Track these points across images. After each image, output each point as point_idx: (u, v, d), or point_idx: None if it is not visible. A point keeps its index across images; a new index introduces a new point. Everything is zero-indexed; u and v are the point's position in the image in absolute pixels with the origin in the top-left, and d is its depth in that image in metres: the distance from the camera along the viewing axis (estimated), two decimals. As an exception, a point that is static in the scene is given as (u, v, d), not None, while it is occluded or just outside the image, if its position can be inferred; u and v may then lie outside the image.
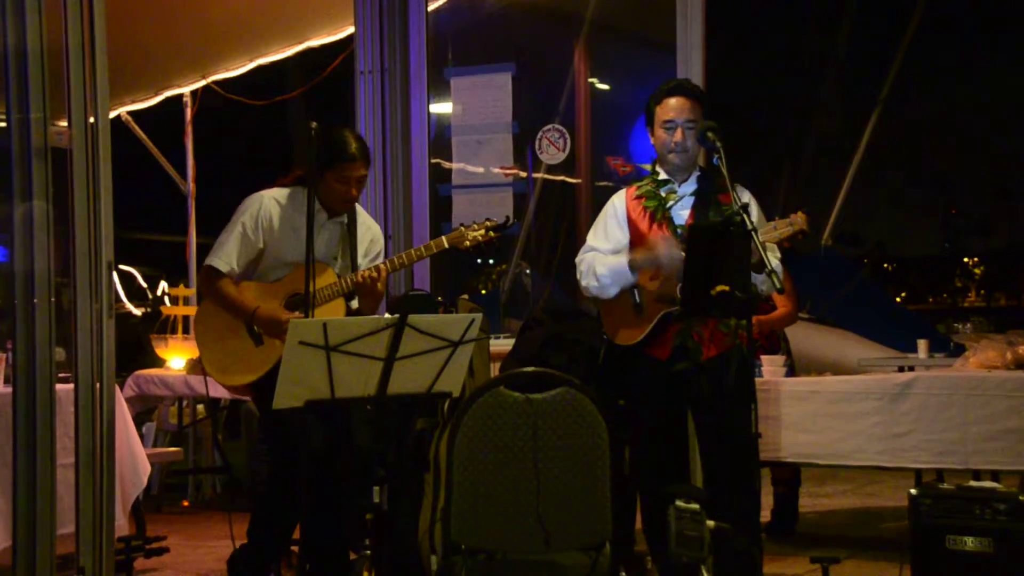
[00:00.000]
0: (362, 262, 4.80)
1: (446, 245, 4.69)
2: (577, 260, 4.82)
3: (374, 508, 3.88)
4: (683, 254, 4.38)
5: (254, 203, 4.77)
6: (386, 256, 4.95)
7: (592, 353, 5.09)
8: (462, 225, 4.77)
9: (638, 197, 4.73)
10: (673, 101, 4.65)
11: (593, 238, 4.81)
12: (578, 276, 4.80)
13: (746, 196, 4.61)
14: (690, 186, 4.69)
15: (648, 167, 4.82)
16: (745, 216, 3.99)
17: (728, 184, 4.22)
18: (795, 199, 12.81)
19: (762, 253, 3.97)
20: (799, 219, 4.36)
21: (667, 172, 4.72)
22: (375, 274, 4.61)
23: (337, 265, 4.77)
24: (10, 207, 4.18)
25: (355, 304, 4.75)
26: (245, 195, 4.85)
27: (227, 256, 4.71)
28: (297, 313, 4.53)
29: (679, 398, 4.62)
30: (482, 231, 4.71)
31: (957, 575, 4.62)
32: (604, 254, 4.73)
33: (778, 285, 3.98)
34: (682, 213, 4.64)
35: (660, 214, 4.65)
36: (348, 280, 4.65)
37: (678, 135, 4.63)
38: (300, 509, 4.52)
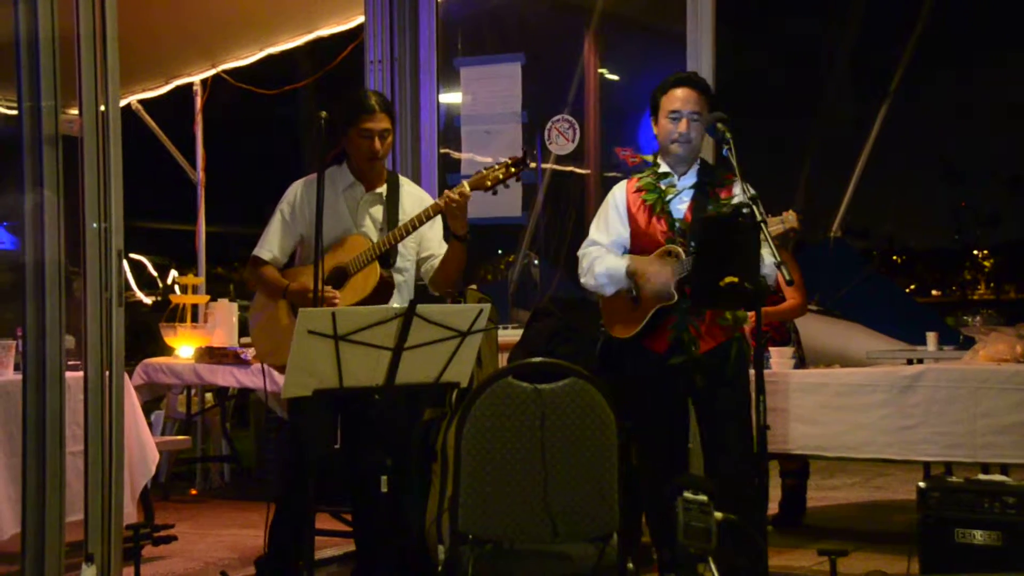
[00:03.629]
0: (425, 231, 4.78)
1: (468, 191, 4.58)
2: (580, 254, 4.83)
3: (382, 498, 3.87)
4: (672, 288, 4.46)
5: (292, 190, 4.83)
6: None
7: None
8: (483, 169, 4.69)
9: (638, 190, 4.75)
10: (680, 92, 4.66)
11: (595, 231, 4.83)
12: (579, 270, 4.82)
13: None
14: (690, 179, 4.70)
15: (650, 158, 4.82)
16: (755, 208, 4.00)
17: (737, 174, 4.24)
18: (799, 192, 12.81)
19: (771, 246, 3.97)
20: (790, 217, 4.39)
21: (668, 164, 4.73)
22: (458, 197, 4.54)
23: (380, 235, 4.74)
24: (21, 195, 4.19)
25: (395, 263, 4.73)
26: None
27: (268, 244, 4.79)
28: (328, 288, 4.52)
29: (678, 390, 4.64)
30: (502, 169, 4.63)
31: (965, 568, 4.62)
32: (606, 248, 4.75)
33: (787, 277, 3.98)
34: (680, 207, 4.65)
35: (659, 207, 4.67)
36: (382, 243, 4.62)
37: (683, 126, 4.63)
38: (313, 509, 4.51)
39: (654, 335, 4.62)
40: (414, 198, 4.90)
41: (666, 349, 4.60)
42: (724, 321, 4.59)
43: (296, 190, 4.83)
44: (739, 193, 4.58)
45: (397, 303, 4.75)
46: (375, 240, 4.71)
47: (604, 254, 4.74)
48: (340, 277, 4.62)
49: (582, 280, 4.81)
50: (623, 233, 4.75)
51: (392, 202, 4.81)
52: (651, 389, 4.65)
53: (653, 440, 4.70)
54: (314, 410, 4.23)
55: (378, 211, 4.80)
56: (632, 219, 4.73)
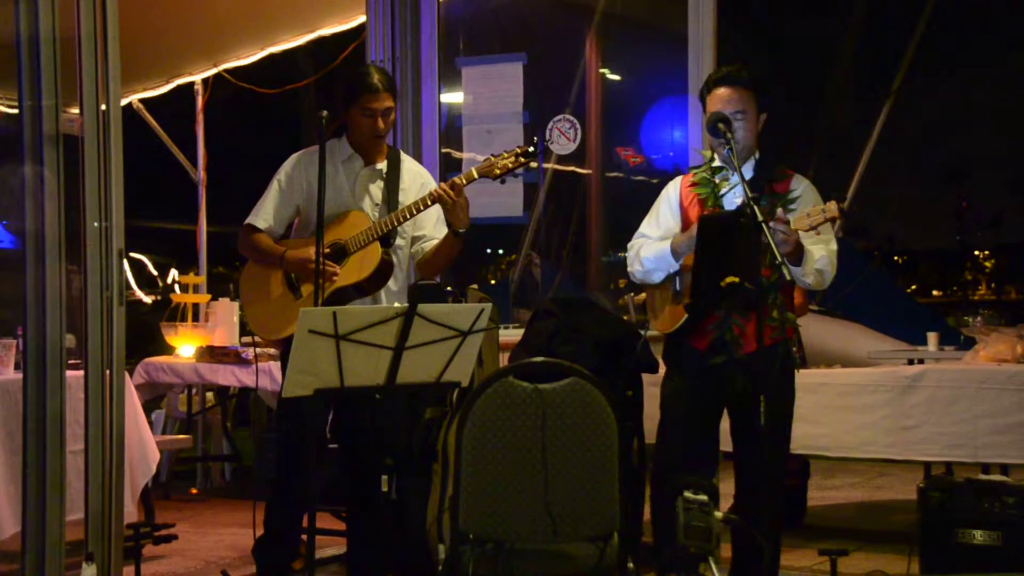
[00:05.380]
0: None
1: (475, 176, 4.57)
2: (628, 246, 4.72)
3: (382, 497, 3.87)
4: None
5: (290, 161, 4.79)
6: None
7: (600, 344, 5.08)
8: (491, 155, 4.66)
9: (693, 184, 4.61)
10: (721, 91, 4.49)
11: (646, 224, 4.71)
12: (627, 260, 4.71)
13: (802, 185, 4.55)
14: (745, 174, 4.42)
15: (707, 153, 4.69)
16: (756, 208, 3.95)
17: (740, 176, 4.18)
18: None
19: (772, 245, 3.91)
20: (831, 207, 4.27)
21: (722, 159, 4.56)
22: (451, 191, 4.51)
23: (377, 212, 4.72)
24: (21, 194, 4.19)
25: (395, 243, 4.70)
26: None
27: (264, 213, 4.73)
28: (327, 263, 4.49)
29: (715, 391, 4.47)
30: (511, 158, 4.59)
31: (966, 568, 4.62)
32: (654, 241, 4.63)
33: (788, 276, 3.94)
34: (735, 201, 4.47)
35: (711, 201, 4.53)
36: (383, 224, 4.59)
37: None
38: (311, 494, 4.53)
39: (696, 332, 4.47)
40: (414, 175, 4.86)
41: (707, 347, 4.45)
42: (772, 321, 4.41)
43: (293, 161, 4.78)
44: (796, 188, 4.52)
45: (393, 286, 4.75)
46: (372, 217, 4.69)
47: (651, 243, 4.62)
48: (338, 254, 4.59)
49: (630, 270, 4.68)
50: (673, 227, 4.61)
51: (392, 179, 4.77)
52: (688, 387, 4.50)
53: (684, 439, 4.53)
54: (310, 409, 4.23)
55: (377, 188, 4.77)
56: (684, 213, 4.60)
